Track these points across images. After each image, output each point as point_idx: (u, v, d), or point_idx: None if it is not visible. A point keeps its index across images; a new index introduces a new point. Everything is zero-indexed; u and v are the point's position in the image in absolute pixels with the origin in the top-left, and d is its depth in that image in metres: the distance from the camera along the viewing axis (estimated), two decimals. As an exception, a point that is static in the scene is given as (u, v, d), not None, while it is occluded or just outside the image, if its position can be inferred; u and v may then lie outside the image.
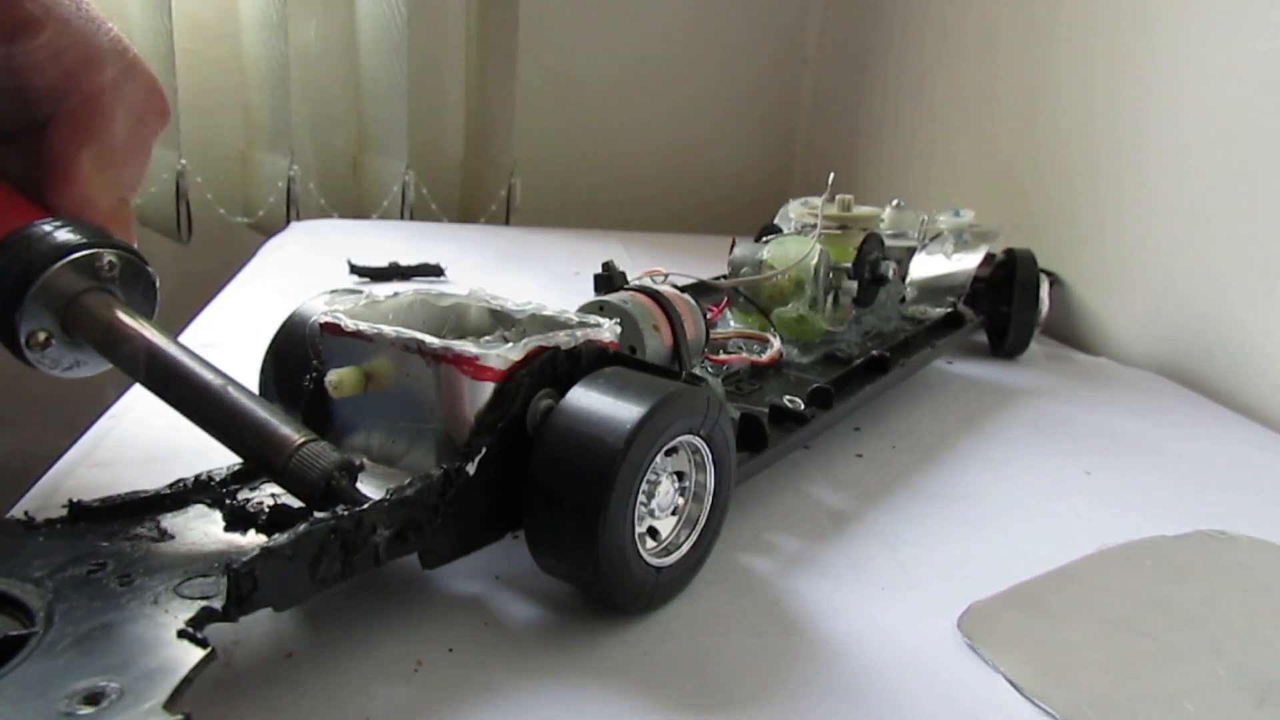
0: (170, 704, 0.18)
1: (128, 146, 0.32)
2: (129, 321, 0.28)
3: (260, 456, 0.26)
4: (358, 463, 0.27)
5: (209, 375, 0.27)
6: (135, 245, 0.31)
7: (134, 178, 0.32)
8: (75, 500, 0.26)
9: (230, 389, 0.26)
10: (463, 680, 0.25)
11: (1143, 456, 0.46)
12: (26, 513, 0.26)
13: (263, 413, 0.26)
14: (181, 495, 0.27)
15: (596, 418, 0.26)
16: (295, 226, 0.94)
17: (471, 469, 0.27)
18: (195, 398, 0.26)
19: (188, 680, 0.19)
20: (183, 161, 0.95)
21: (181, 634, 0.20)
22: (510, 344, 0.28)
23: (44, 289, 0.27)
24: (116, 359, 0.28)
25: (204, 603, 0.22)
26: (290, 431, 0.25)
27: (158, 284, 0.31)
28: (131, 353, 0.28)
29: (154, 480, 0.28)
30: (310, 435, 0.26)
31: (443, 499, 0.26)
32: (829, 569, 0.33)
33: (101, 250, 0.28)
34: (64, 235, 0.28)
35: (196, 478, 0.27)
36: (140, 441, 0.40)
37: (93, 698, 0.18)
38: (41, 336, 0.28)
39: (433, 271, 0.73)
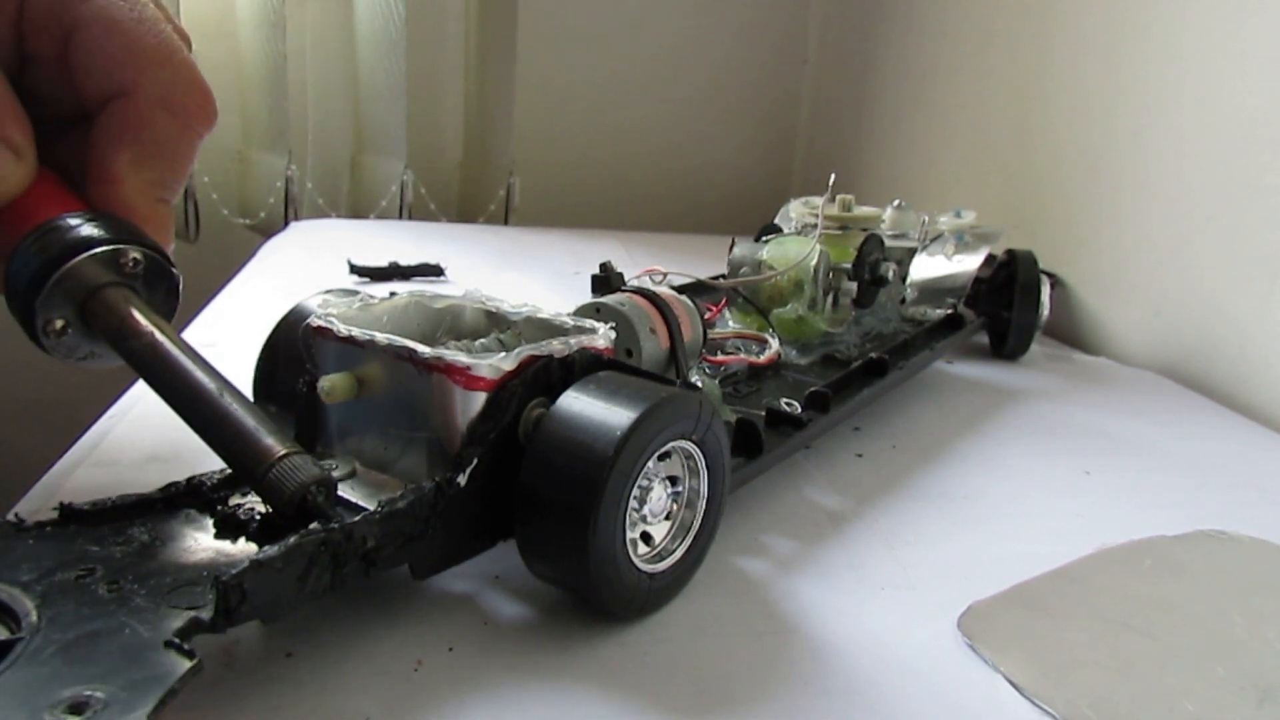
0: (154, 715, 0.18)
1: (169, 149, 0.32)
2: (140, 318, 0.28)
3: (242, 464, 0.26)
4: (340, 473, 0.27)
5: (205, 378, 0.27)
6: (170, 247, 0.31)
7: (175, 179, 0.33)
8: (65, 503, 0.26)
9: (225, 394, 0.26)
10: (462, 679, 0.25)
11: (1142, 456, 0.46)
12: (16, 514, 0.25)
13: (251, 420, 0.26)
14: (172, 499, 0.27)
15: (587, 423, 0.26)
16: (294, 226, 0.94)
17: (463, 480, 0.27)
18: (189, 399, 0.27)
19: (173, 692, 0.19)
20: (191, 161, 0.95)
21: (169, 644, 0.20)
22: (503, 353, 0.27)
23: (65, 278, 0.28)
24: (125, 353, 0.28)
25: (192, 613, 0.21)
26: (274, 442, 0.25)
27: (180, 285, 0.31)
28: (137, 349, 0.28)
29: (154, 480, 0.27)
30: (294, 448, 0.25)
31: (434, 510, 0.26)
32: (828, 569, 0.33)
33: (126, 247, 0.29)
34: (92, 229, 0.29)
35: (188, 481, 0.27)
36: (140, 441, 0.40)
37: (77, 707, 0.18)
38: (58, 324, 0.28)
39: (432, 271, 0.73)
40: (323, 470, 0.25)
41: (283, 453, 0.25)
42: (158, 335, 0.28)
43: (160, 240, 0.30)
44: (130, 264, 0.29)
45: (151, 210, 0.31)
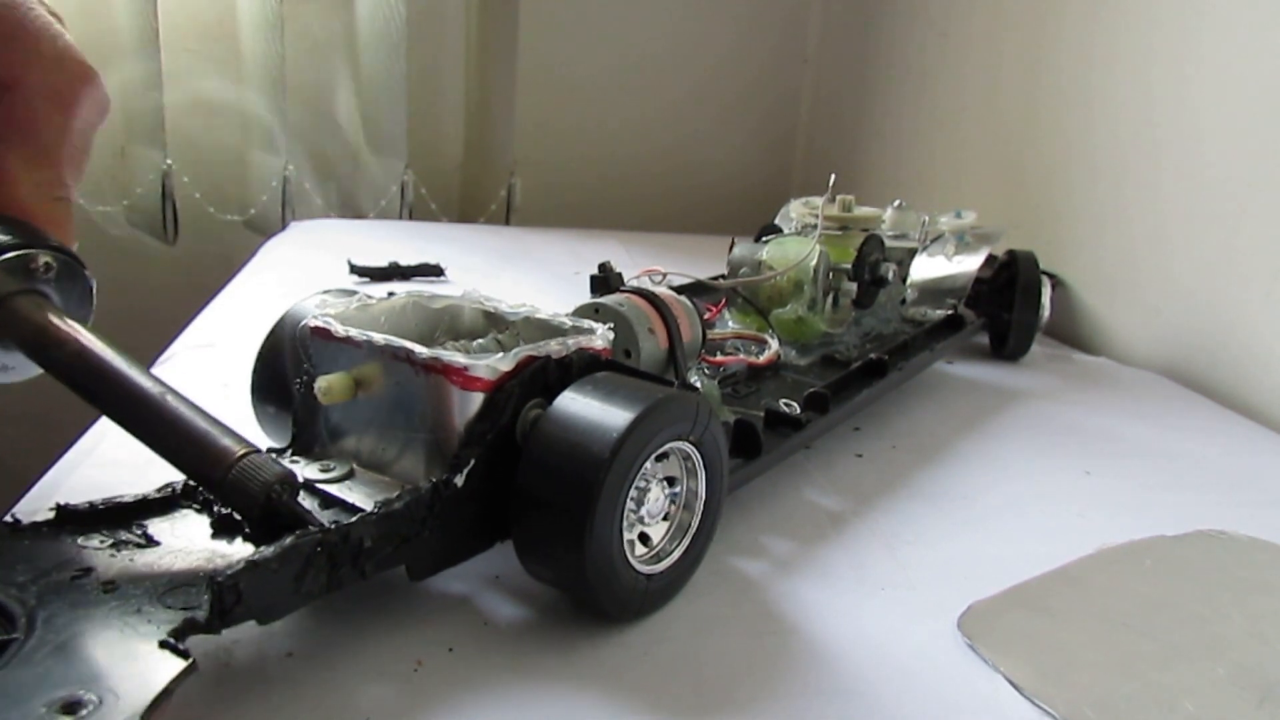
0: (148, 716, 0.18)
1: (62, 144, 0.30)
2: (61, 325, 0.27)
3: (197, 469, 0.25)
4: (337, 474, 0.27)
5: (146, 383, 0.25)
6: (74, 246, 0.29)
7: (72, 176, 0.30)
8: (62, 503, 0.26)
9: (168, 397, 0.25)
10: (462, 680, 0.25)
11: (1143, 457, 0.46)
12: (13, 515, 0.25)
13: (201, 423, 0.25)
14: (169, 500, 0.27)
15: (583, 424, 0.26)
16: (294, 226, 0.94)
17: (460, 481, 0.27)
18: (130, 406, 0.25)
19: (167, 692, 0.19)
20: (169, 162, 0.95)
21: (163, 644, 0.20)
22: (500, 354, 0.27)
23: None
24: (48, 364, 0.27)
25: (187, 613, 0.21)
26: (230, 443, 0.24)
27: (94, 287, 0.29)
28: (63, 358, 0.26)
29: (153, 482, 0.27)
30: (251, 447, 0.25)
31: (431, 511, 0.26)
32: (829, 569, 0.33)
33: (36, 251, 0.27)
34: None
35: (185, 482, 0.27)
36: (139, 443, 0.39)
37: (70, 707, 0.18)
38: None
39: (432, 271, 0.73)
40: (284, 467, 0.25)
41: (240, 453, 0.24)
42: (84, 342, 0.26)
43: (62, 241, 0.29)
44: (41, 269, 0.27)
45: (50, 211, 0.29)
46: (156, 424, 0.25)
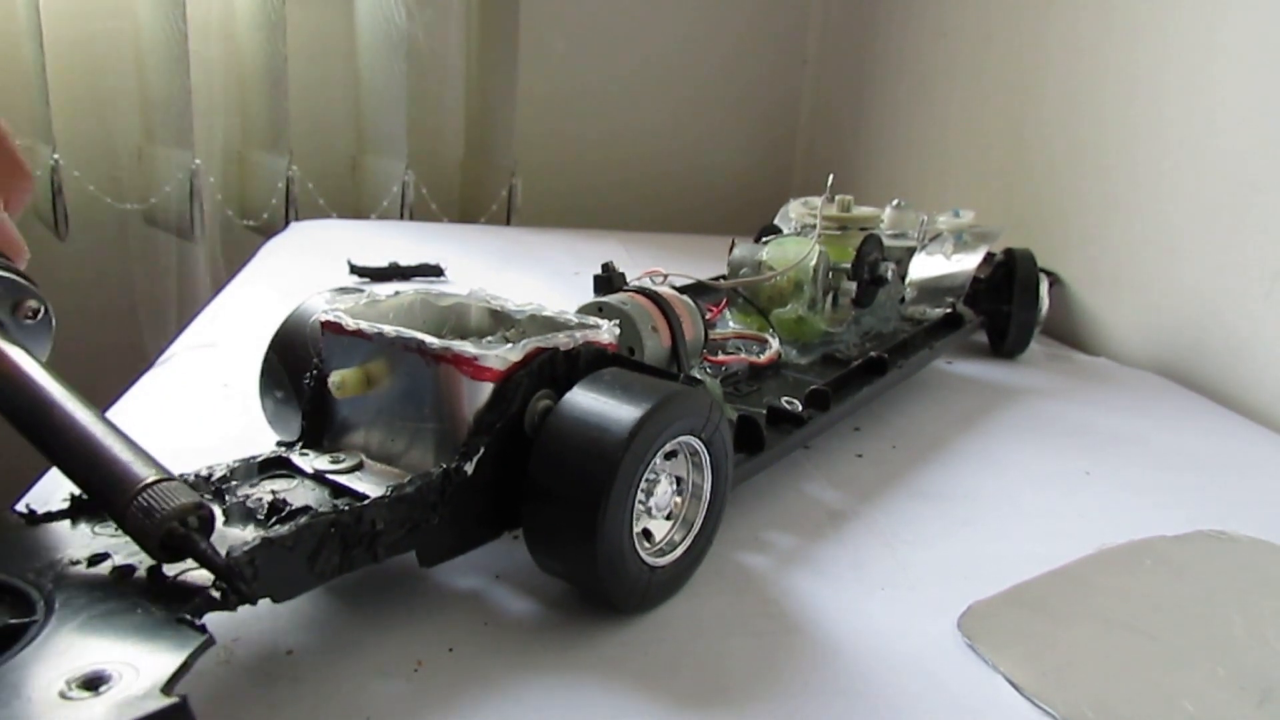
0: (168, 688, 0.18)
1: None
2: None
3: (102, 495, 0.23)
4: (347, 465, 0.27)
5: (69, 407, 0.24)
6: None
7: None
8: (75, 493, 0.26)
9: (82, 421, 0.24)
10: (463, 679, 0.25)
11: (1142, 456, 0.46)
12: (28, 505, 0.26)
13: (115, 449, 0.23)
14: None
15: (597, 417, 0.26)
16: (295, 227, 0.94)
17: (470, 468, 0.27)
18: (46, 428, 0.24)
19: (186, 665, 0.19)
20: (197, 161, 0.95)
21: (180, 620, 0.21)
22: (509, 345, 0.28)
23: None
24: None
25: (203, 591, 0.22)
26: (141, 469, 0.23)
27: (53, 321, 0.29)
28: None
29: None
30: (164, 474, 0.23)
31: (441, 497, 0.26)
32: (828, 568, 0.33)
33: (25, 296, 0.28)
34: None
35: (196, 474, 0.27)
36: (141, 440, 0.39)
37: (91, 682, 0.18)
38: None
39: (433, 271, 0.73)
40: (194, 500, 0.23)
41: (147, 481, 0.22)
42: (15, 361, 0.26)
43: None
44: (29, 313, 0.28)
45: None
46: (68, 447, 0.24)
